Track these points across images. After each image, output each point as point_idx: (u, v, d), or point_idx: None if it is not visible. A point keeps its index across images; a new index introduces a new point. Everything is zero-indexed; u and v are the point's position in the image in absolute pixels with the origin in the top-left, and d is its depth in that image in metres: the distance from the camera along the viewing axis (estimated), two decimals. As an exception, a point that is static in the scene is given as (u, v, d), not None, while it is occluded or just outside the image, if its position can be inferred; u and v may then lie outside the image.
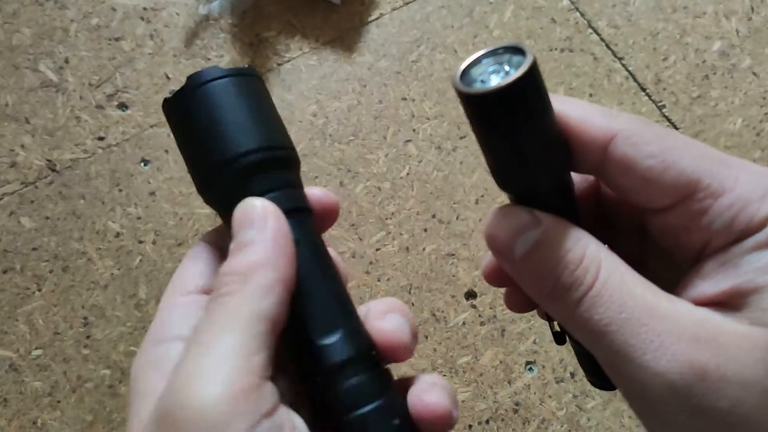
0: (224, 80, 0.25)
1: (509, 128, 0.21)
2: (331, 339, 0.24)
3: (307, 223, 0.26)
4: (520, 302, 0.29)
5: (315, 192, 0.28)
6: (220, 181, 0.25)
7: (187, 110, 0.25)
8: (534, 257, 0.22)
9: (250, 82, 0.26)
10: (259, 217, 0.23)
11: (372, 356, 0.25)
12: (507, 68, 0.21)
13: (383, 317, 0.26)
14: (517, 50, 0.21)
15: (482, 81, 0.22)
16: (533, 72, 0.20)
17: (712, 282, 0.21)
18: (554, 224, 0.22)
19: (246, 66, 0.26)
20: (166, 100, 0.26)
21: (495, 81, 0.21)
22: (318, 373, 0.24)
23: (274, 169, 0.25)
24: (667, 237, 0.23)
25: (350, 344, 0.24)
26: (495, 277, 0.28)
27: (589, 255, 0.21)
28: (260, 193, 0.24)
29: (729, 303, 0.21)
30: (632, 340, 0.20)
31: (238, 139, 0.25)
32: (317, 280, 0.25)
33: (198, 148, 0.25)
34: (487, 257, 0.28)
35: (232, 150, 0.24)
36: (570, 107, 0.22)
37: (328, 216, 0.28)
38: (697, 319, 0.20)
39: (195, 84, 0.25)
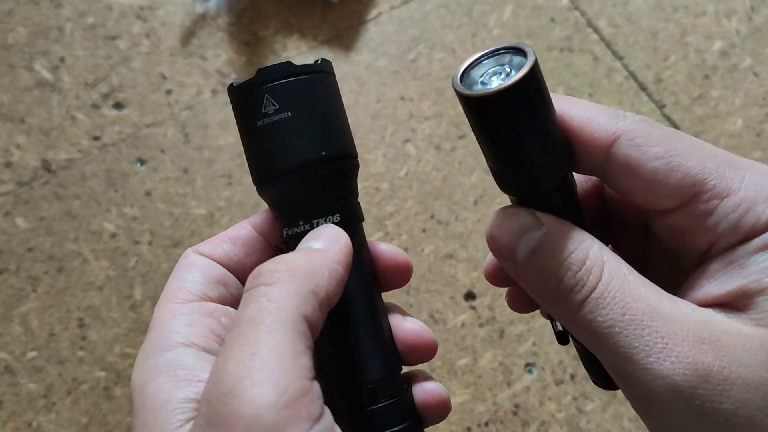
0: (291, 80, 0.24)
1: (510, 130, 0.21)
2: (368, 361, 0.24)
3: (361, 236, 0.26)
4: (522, 302, 0.29)
5: (385, 249, 0.27)
6: (286, 186, 0.24)
7: (251, 105, 0.24)
8: (536, 259, 0.21)
9: (319, 81, 0.25)
10: (334, 235, 0.24)
11: (400, 375, 0.26)
12: (508, 69, 0.21)
13: (404, 319, 0.27)
14: (518, 50, 0.21)
15: (483, 83, 0.21)
16: (535, 73, 0.20)
17: (718, 283, 0.21)
18: (556, 226, 0.22)
19: (317, 61, 0.25)
20: (231, 86, 0.25)
21: (496, 83, 0.21)
22: (350, 388, 0.24)
23: (340, 177, 0.25)
24: (671, 238, 0.23)
25: (383, 365, 0.25)
26: (496, 277, 0.28)
27: (591, 256, 0.21)
28: (326, 200, 0.25)
29: (734, 304, 0.20)
30: (635, 342, 0.19)
31: (303, 148, 0.24)
32: (359, 303, 0.25)
33: (261, 146, 0.25)
34: (488, 257, 0.27)
35: (296, 159, 0.24)
36: (572, 107, 0.22)
37: (401, 276, 0.28)
38: (700, 320, 0.20)
39: (262, 80, 0.24)
